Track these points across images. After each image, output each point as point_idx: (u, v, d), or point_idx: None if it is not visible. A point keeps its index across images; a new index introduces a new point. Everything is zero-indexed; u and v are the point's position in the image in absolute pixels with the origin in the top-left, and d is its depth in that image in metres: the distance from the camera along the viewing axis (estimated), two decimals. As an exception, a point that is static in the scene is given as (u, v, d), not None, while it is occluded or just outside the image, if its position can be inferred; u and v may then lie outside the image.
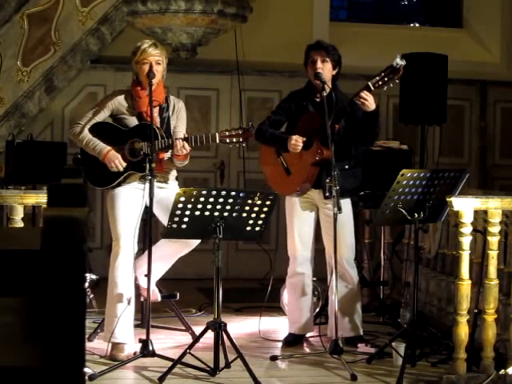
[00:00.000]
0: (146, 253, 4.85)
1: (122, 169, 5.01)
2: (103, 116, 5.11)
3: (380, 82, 4.98)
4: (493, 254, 4.63)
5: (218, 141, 4.94)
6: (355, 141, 5.26)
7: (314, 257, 5.41)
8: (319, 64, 5.20)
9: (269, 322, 5.98)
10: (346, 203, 5.15)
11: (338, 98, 5.10)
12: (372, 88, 4.97)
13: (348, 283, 5.31)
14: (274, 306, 6.03)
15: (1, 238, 1.98)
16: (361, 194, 6.02)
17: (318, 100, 5.28)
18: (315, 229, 5.38)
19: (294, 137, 5.13)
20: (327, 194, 5.03)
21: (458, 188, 4.80)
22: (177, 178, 5.27)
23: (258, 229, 4.66)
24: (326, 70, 5.21)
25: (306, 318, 5.42)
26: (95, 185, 5.18)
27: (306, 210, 5.31)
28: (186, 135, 5.04)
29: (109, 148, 5.02)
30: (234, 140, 4.91)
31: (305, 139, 5.14)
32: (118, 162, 5.00)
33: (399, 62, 4.92)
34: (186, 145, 4.92)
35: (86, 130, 5.07)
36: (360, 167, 5.38)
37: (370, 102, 4.96)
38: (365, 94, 4.95)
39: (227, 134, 4.92)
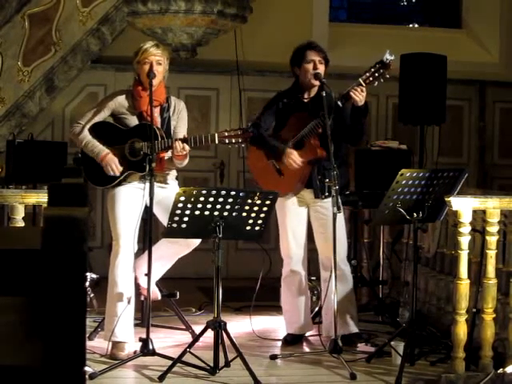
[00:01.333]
0: (146, 252, 4.87)
1: (118, 173, 5.02)
2: (103, 116, 5.12)
3: (371, 78, 5.05)
4: (491, 254, 4.64)
5: (217, 141, 4.95)
6: (342, 140, 5.30)
7: (307, 256, 5.43)
8: (319, 65, 5.23)
9: (268, 321, 6.00)
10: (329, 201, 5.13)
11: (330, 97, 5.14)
12: (363, 84, 5.03)
13: (344, 282, 5.31)
14: (273, 305, 6.04)
15: (1, 237, 1.99)
16: (364, 192, 6.06)
17: (305, 100, 5.32)
18: (307, 228, 5.39)
19: (293, 155, 5.13)
20: (326, 194, 5.08)
21: (456, 188, 4.81)
22: (177, 178, 5.28)
23: (257, 228, 4.67)
24: (321, 70, 5.25)
25: (305, 317, 5.43)
26: (95, 184, 5.19)
27: (298, 209, 5.32)
28: (186, 136, 5.06)
29: (107, 151, 5.03)
30: (233, 141, 4.92)
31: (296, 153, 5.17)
32: (114, 166, 5.01)
33: (389, 57, 5.00)
34: (186, 146, 4.93)
35: (86, 131, 5.08)
36: (346, 166, 5.43)
37: (362, 96, 5.02)
38: (360, 89, 5.00)
39: (226, 134, 4.93)
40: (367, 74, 5.05)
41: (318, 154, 5.10)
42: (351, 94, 5.03)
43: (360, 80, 5.05)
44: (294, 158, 5.16)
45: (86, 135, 5.07)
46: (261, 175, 5.39)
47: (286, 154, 5.17)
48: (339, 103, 5.10)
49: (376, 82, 5.08)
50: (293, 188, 5.25)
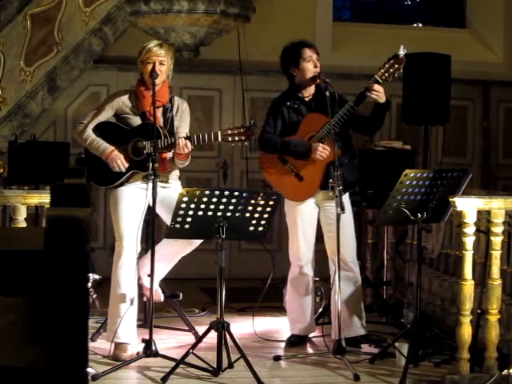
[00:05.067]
0: (149, 253, 4.86)
1: (124, 169, 5.01)
2: (107, 116, 5.11)
3: (386, 74, 5.03)
4: (496, 254, 4.63)
5: (220, 139, 4.93)
6: (358, 131, 5.29)
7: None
8: (318, 63, 5.22)
9: (271, 322, 5.98)
10: (345, 199, 5.10)
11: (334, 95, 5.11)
12: (380, 81, 5.01)
13: (355, 283, 5.29)
14: (276, 306, 6.03)
15: (4, 238, 1.98)
16: (367, 192, 6.05)
17: (307, 99, 5.28)
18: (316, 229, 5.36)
19: (320, 147, 5.04)
20: (336, 194, 5.03)
21: (461, 188, 4.80)
22: (179, 178, 5.27)
23: (260, 229, 4.65)
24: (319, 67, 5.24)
25: (309, 318, 5.41)
26: (98, 184, 5.18)
27: (310, 212, 5.27)
28: (189, 135, 5.05)
29: (112, 148, 5.02)
30: (237, 138, 4.91)
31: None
32: (120, 162, 5.00)
33: (402, 51, 5.01)
34: (189, 143, 4.92)
35: (90, 130, 5.08)
36: (356, 159, 5.38)
37: (382, 93, 5.00)
38: (377, 87, 4.98)
39: (229, 132, 4.92)
40: (382, 71, 5.03)
41: (337, 155, 4.96)
42: (371, 95, 4.99)
43: (376, 77, 5.02)
44: (322, 149, 5.07)
45: (90, 134, 5.07)
46: (279, 183, 5.24)
47: (313, 149, 5.07)
48: (352, 104, 5.05)
49: (391, 78, 5.05)
50: (314, 192, 5.20)
